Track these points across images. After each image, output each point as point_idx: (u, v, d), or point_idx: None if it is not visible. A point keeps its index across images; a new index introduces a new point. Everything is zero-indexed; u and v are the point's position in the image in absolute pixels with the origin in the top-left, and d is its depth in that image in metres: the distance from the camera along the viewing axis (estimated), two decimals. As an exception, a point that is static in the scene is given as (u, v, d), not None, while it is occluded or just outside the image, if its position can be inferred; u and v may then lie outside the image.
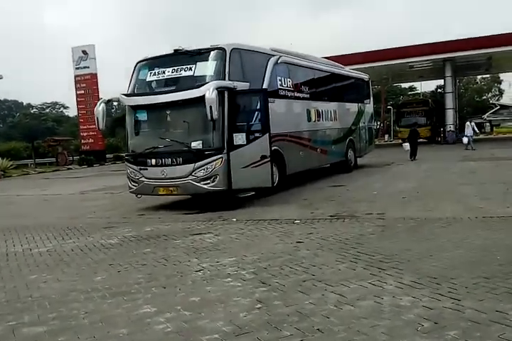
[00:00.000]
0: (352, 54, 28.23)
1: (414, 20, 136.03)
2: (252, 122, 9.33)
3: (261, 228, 7.22)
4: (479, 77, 68.18)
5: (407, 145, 18.54)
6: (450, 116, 31.47)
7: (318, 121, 13.24)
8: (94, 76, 34.92)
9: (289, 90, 11.67)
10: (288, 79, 11.65)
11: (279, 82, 11.23)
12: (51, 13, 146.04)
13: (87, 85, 34.80)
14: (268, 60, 10.84)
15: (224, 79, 9.10)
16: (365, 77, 17.67)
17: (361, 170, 15.70)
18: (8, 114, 78.15)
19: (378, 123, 65.06)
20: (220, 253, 5.70)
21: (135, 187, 9.84)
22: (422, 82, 58.87)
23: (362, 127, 16.66)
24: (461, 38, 28.41)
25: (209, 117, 8.48)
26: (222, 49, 9.33)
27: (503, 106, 64.59)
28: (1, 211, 11.96)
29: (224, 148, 8.99)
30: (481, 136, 47.19)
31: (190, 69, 9.32)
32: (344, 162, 15.07)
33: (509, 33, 26.72)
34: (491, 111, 64.54)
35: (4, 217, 10.54)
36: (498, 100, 69.77)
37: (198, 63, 9.34)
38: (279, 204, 9.53)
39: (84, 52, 34.83)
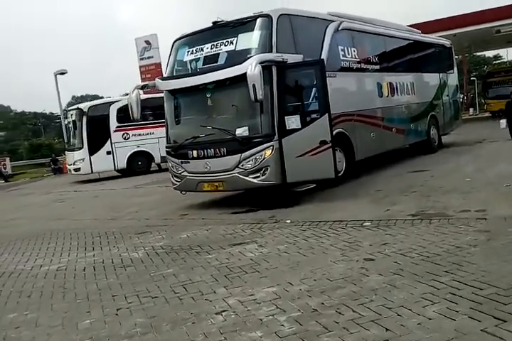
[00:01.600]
0: (427, 22, 25.22)
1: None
2: (308, 101, 7.67)
3: (319, 234, 5.63)
4: None
5: (503, 123, 14.75)
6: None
7: (392, 96, 11.23)
8: (159, 65, 34.36)
9: (354, 62, 9.81)
10: (352, 49, 9.78)
11: (341, 53, 9.41)
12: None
13: (152, 75, 34.30)
14: (326, 27, 9.06)
15: (271, 52, 7.50)
16: (447, 42, 15.17)
17: (447, 150, 13.43)
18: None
19: (462, 95, 60.23)
20: (257, 279, 4.22)
21: (178, 183, 8.57)
22: (509, 50, 53.34)
23: (446, 101, 14.29)
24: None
25: (253, 98, 6.94)
26: (267, 16, 7.71)
27: None
28: (46, 210, 11.28)
29: (274, 134, 7.44)
30: None
31: (232, 43, 7.80)
32: (426, 141, 12.90)
33: None
34: None
35: (46, 218, 9.78)
36: None
37: (239, 35, 7.79)
38: (346, 198, 7.84)
39: (147, 42, 34.37)
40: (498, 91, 28.47)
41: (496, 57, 61.11)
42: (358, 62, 9.97)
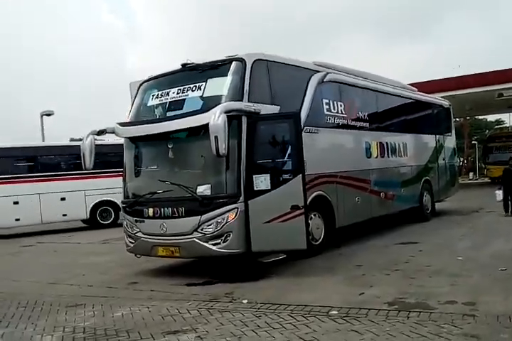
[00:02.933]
0: (428, 81, 25.02)
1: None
2: (280, 159, 6.81)
3: (274, 324, 4.55)
4: None
5: (499, 194, 12.88)
6: (550, 152, 26.93)
7: (381, 157, 10.42)
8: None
9: (340, 117, 9.06)
10: (339, 104, 9.08)
11: (325, 107, 8.69)
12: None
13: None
14: (310, 77, 8.39)
15: (242, 100, 6.75)
16: (445, 103, 14.61)
17: (441, 219, 12.46)
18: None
19: (462, 159, 59.98)
20: None
21: (132, 245, 7.53)
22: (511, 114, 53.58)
23: (441, 165, 13.49)
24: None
25: (214, 152, 6.09)
26: (240, 60, 7.02)
27: None
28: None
29: (240, 194, 6.51)
30: None
31: (200, 88, 7.06)
32: (418, 208, 11.95)
33: None
34: None
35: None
36: None
37: (209, 80, 7.07)
38: (320, 273, 6.77)
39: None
40: (498, 156, 27.97)
41: (498, 121, 61.43)
42: (345, 118, 9.22)
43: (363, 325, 4.41)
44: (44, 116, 25.36)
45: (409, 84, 13.67)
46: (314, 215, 8.04)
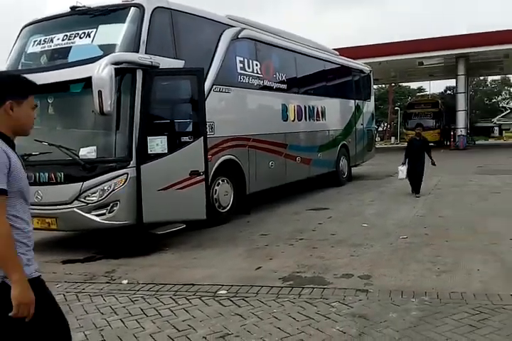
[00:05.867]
0: (356, 47, 24.93)
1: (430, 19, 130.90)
2: (180, 120, 6.17)
3: (149, 310, 4.03)
4: (490, 79, 65.03)
5: (403, 171, 9.79)
6: (461, 118, 28.14)
7: (298, 120, 10.04)
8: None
9: (254, 77, 8.47)
10: (254, 63, 8.47)
11: (239, 65, 8.05)
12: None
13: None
14: (222, 32, 7.67)
15: (137, 52, 5.95)
16: (366, 68, 14.42)
17: (355, 183, 12.49)
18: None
19: (385, 124, 61.94)
20: None
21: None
22: (432, 83, 55.71)
23: (359, 130, 13.41)
24: (477, 32, 25.20)
25: (97, 109, 5.31)
26: (138, 6, 6.14)
27: (514, 110, 61.41)
28: None
29: (131, 158, 5.79)
30: (491, 141, 44.17)
31: (89, 35, 6.13)
32: (334, 173, 11.86)
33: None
34: (501, 114, 61.47)
35: None
36: (508, 103, 66.55)
37: (100, 27, 6.16)
38: (221, 245, 6.32)
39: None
40: (416, 122, 28.78)
41: (420, 89, 63.75)
42: (260, 79, 8.65)
43: (250, 306, 4.02)
44: None
45: (337, 49, 13.27)
46: (223, 181, 7.57)
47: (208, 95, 6.78)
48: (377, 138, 45.49)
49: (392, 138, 48.06)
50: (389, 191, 10.74)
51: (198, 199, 6.07)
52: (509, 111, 61.99)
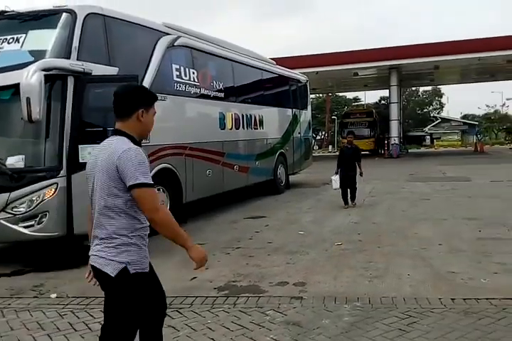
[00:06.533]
0: (293, 57, 25.53)
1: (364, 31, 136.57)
2: (112, 128, 5.99)
3: (78, 324, 3.89)
4: (421, 89, 68.41)
5: (336, 181, 9.63)
6: (394, 128, 29.40)
7: (236, 129, 10.07)
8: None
9: (191, 85, 8.42)
10: (191, 71, 8.42)
11: (175, 73, 7.97)
12: None
13: None
14: (158, 40, 7.59)
15: (69, 58, 5.76)
16: (303, 78, 14.76)
17: (293, 191, 12.70)
18: None
19: (323, 133, 63.53)
20: None
21: None
22: (367, 93, 57.90)
23: (297, 138, 13.66)
24: (409, 44, 26.55)
25: (25, 116, 5.10)
26: (70, 12, 5.97)
27: (444, 120, 64.88)
28: None
29: (61, 167, 5.58)
30: (423, 150, 46.39)
31: (18, 41, 5.89)
32: (272, 181, 11.99)
33: (455, 41, 25.00)
34: (432, 124, 64.74)
35: None
36: (438, 113, 70.22)
37: (30, 32, 5.92)
38: (155, 255, 6.06)
39: None
40: (352, 131, 29.77)
41: (356, 99, 66.07)
42: (197, 87, 8.61)
43: (184, 318, 3.97)
44: None
45: (274, 59, 13.46)
46: (158, 190, 7.42)
47: (143, 103, 6.65)
48: (315, 147, 46.65)
49: (330, 147, 49.23)
50: (326, 199, 10.99)
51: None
52: (439, 120, 65.37)
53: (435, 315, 3.81)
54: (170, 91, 7.79)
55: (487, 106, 62.99)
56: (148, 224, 2.37)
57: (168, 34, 7.87)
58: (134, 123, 2.38)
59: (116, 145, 2.29)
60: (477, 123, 61.75)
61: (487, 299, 4.11)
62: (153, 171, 7.14)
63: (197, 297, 4.46)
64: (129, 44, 6.99)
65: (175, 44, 7.95)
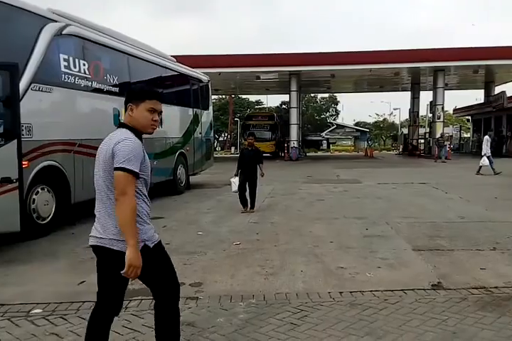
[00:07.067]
0: (195, 55, 25.27)
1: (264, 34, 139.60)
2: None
3: None
4: (319, 96, 71.54)
5: (235, 183, 9.31)
6: (294, 131, 30.29)
7: (133, 126, 9.61)
8: None
9: (81, 77, 7.87)
10: (82, 62, 7.88)
11: (63, 63, 7.40)
12: None
13: None
14: (43, 26, 6.99)
15: None
16: (204, 78, 14.59)
17: (194, 192, 12.48)
18: None
19: (226, 134, 63.89)
20: None
21: None
22: (269, 97, 59.35)
23: (198, 138, 13.46)
24: (307, 52, 27.55)
25: None
26: None
27: (339, 126, 68.58)
28: None
29: None
30: (320, 153, 48.50)
31: None
32: (172, 181, 11.67)
33: (350, 52, 26.42)
34: (329, 129, 67.97)
35: None
36: (334, 119, 73.91)
37: None
38: (39, 259, 5.67)
39: None
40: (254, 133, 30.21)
41: (258, 102, 67.38)
42: (88, 80, 8.08)
43: (69, 324, 3.64)
44: None
45: (175, 56, 13.11)
46: (42, 189, 6.84)
47: (24, 94, 6.15)
48: (218, 148, 46.69)
49: (232, 148, 49.62)
50: (226, 199, 10.90)
51: (11, 209, 5.39)
52: (335, 126, 68.83)
53: (324, 308, 3.90)
54: (57, 82, 7.24)
55: (377, 114, 67.29)
56: (149, 204, 2.68)
57: (55, 21, 7.28)
58: (129, 118, 2.68)
59: (117, 136, 2.57)
60: (368, 130, 65.95)
61: (371, 291, 4.30)
62: (36, 169, 6.57)
63: (84, 302, 4.09)
64: (9, 29, 6.34)
65: (63, 32, 7.39)
